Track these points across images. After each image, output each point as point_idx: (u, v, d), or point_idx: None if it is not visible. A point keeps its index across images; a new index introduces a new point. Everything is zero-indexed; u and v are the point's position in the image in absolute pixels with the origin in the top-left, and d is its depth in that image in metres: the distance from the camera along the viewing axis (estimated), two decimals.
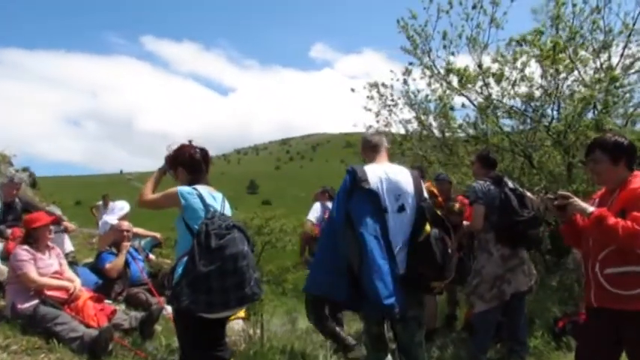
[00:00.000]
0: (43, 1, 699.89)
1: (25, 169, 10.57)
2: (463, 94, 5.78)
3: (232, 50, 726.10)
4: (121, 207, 4.57)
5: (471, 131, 5.96)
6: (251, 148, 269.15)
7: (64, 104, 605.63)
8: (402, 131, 7.04)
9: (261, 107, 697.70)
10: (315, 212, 4.18)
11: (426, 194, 2.32)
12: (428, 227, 2.12)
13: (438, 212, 2.27)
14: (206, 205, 2.12)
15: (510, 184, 3.23)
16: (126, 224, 4.15)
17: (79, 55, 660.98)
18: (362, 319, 2.59)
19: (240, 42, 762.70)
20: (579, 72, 5.20)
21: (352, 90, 6.98)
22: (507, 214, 3.06)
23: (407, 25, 5.76)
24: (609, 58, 5.29)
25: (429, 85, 6.33)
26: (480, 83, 5.47)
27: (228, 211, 2.25)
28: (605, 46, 5.17)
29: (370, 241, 1.99)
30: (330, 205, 3.85)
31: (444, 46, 5.66)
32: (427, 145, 6.82)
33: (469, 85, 5.46)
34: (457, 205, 3.66)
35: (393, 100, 6.82)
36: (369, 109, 6.99)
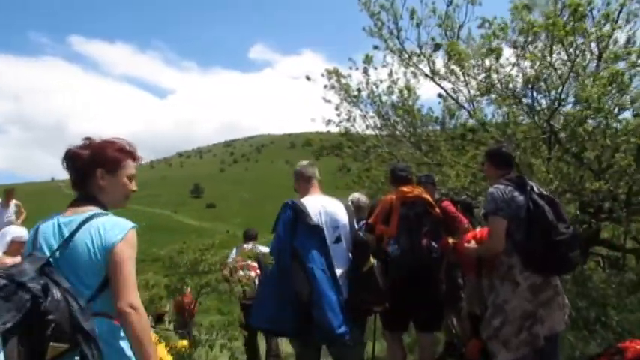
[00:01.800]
0: None
1: None
2: (436, 82, 6.50)
3: (169, 52, 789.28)
4: (18, 234, 4.33)
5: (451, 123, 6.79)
6: (194, 151, 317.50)
7: None
8: (366, 127, 7.93)
9: (203, 109, 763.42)
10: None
11: (356, 225, 3.28)
12: (371, 259, 3.10)
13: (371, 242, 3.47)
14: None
15: (536, 187, 3.10)
16: (9, 261, 3.64)
17: (2, 56, 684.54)
18: (299, 346, 3.24)
19: (176, 43, 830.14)
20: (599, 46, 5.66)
21: (308, 78, 7.72)
22: (540, 231, 2.91)
23: (369, 1, 6.45)
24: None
25: (390, 75, 7.27)
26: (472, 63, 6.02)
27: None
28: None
29: (319, 274, 2.82)
30: (246, 246, 5.76)
31: (417, 24, 6.27)
32: (399, 142, 7.69)
33: (457, 69, 6.06)
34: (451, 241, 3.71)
35: (358, 90, 7.63)
36: (329, 101, 7.76)
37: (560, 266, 3.06)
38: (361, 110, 7.85)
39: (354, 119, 7.94)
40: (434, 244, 3.63)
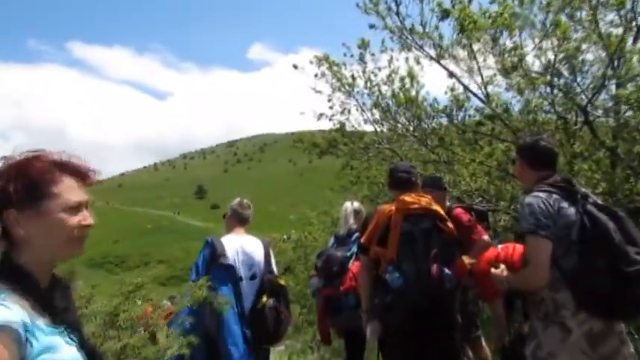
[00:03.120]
0: None
1: None
2: (442, 65, 5.57)
3: (167, 54, 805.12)
4: None
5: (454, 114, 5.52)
6: (197, 152, 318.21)
7: None
8: (364, 122, 7.01)
9: (204, 110, 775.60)
10: None
11: (274, 265, 3.55)
12: (265, 298, 3.28)
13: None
14: None
15: (591, 195, 2.36)
16: None
17: (3, 65, 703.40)
18: None
19: (174, 45, 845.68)
20: None
21: (295, 67, 6.88)
22: (602, 258, 2.15)
23: None
24: None
25: (390, 62, 6.38)
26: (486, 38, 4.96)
27: None
28: None
29: (226, 310, 3.07)
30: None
31: None
32: (401, 137, 6.70)
33: (469, 44, 5.05)
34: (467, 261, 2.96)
35: (352, 77, 6.72)
36: (319, 92, 6.88)
37: (633, 309, 2.25)
38: (357, 101, 6.97)
39: (349, 111, 7.06)
40: (447, 270, 2.80)
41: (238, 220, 3.69)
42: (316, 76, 6.85)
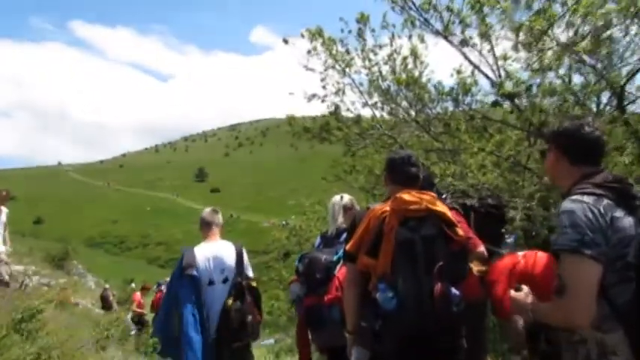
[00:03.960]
0: None
1: None
2: (449, 41, 5.04)
3: (169, 36, 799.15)
4: None
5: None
6: (199, 135, 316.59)
7: None
8: (362, 105, 6.43)
9: (206, 93, 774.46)
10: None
11: (248, 268, 3.77)
12: (230, 300, 3.51)
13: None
14: None
15: None
16: None
17: (3, 42, 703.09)
18: None
19: (176, 27, 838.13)
20: None
21: (285, 41, 6.36)
22: None
23: None
24: None
25: (392, 39, 5.81)
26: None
27: None
28: None
29: (188, 318, 3.37)
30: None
31: None
32: (401, 122, 6.15)
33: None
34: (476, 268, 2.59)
35: (346, 51, 6.12)
36: (311, 69, 6.26)
37: None
38: (352, 81, 6.24)
39: (343, 92, 6.28)
40: (454, 290, 2.18)
41: (206, 226, 3.91)
42: (309, 52, 6.16)
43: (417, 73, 5.73)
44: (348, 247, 2.36)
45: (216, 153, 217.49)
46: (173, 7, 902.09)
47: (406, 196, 2.23)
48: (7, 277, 6.47)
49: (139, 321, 12.90)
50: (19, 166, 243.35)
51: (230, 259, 3.77)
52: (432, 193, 2.34)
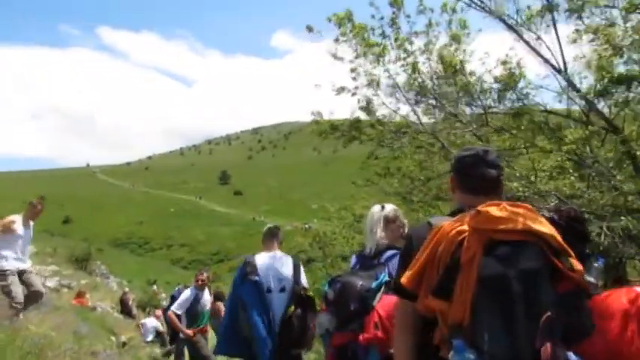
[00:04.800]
0: None
1: None
2: (504, 21, 4.35)
3: (193, 40, 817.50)
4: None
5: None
6: (223, 138, 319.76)
7: (24, 99, 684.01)
8: (396, 100, 5.59)
9: (229, 97, 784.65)
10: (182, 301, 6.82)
11: (303, 279, 3.94)
12: (292, 307, 3.72)
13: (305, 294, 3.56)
14: None
15: None
16: None
17: (35, 48, 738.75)
18: None
19: (199, 32, 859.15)
20: None
21: (310, 29, 5.69)
22: None
23: None
24: None
25: (429, 27, 5.10)
26: None
27: None
28: None
29: (257, 320, 3.65)
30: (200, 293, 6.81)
31: None
32: (445, 119, 5.30)
33: None
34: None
35: (381, 35, 5.27)
36: (340, 58, 5.53)
37: None
38: (388, 73, 5.34)
39: (377, 84, 5.39)
40: (571, 355, 1.40)
41: (268, 238, 4.17)
42: (337, 40, 5.40)
43: (459, 57, 5.02)
44: (403, 279, 1.65)
45: (240, 156, 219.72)
46: (196, 12, 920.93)
47: (494, 210, 1.52)
48: (42, 288, 6.34)
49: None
50: (48, 168, 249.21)
51: (287, 269, 3.97)
52: (529, 206, 1.60)
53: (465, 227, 1.54)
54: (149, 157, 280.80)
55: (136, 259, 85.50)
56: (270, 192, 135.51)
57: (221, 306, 9.23)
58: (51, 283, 15.02)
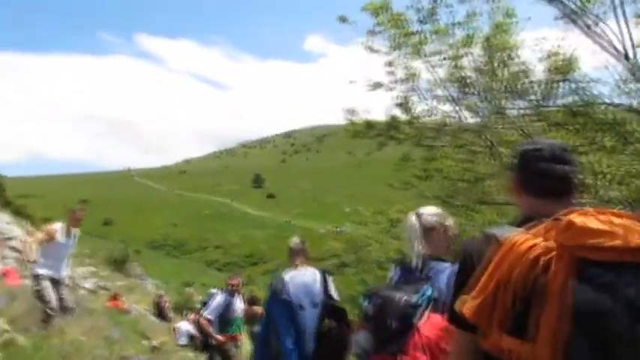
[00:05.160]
0: (37, 5, 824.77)
1: None
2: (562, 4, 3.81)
3: (228, 46, 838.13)
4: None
5: None
6: (256, 141, 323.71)
7: (67, 105, 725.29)
8: (432, 99, 5.17)
9: (263, 101, 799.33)
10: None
11: (333, 291, 3.89)
12: (326, 321, 3.67)
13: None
14: None
15: None
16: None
17: (78, 56, 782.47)
18: None
19: (234, 38, 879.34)
20: None
21: (343, 20, 5.43)
22: None
23: None
24: None
25: (472, 16, 4.68)
26: None
27: None
28: None
29: (285, 337, 3.67)
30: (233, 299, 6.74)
31: None
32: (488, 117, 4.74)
33: None
34: None
35: (420, 21, 4.83)
36: (376, 51, 5.15)
37: None
38: (429, 66, 4.85)
39: (417, 77, 4.93)
40: None
41: (295, 254, 4.13)
42: (372, 32, 4.93)
43: (513, 45, 4.56)
44: (466, 310, 1.30)
45: (273, 159, 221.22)
46: (231, 19, 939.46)
47: (590, 220, 1.17)
48: (71, 304, 6.17)
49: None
50: (89, 171, 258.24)
51: (317, 284, 3.94)
52: (630, 214, 1.25)
53: (547, 243, 1.20)
54: (185, 161, 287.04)
55: (172, 260, 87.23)
56: (304, 195, 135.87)
57: (257, 310, 9.11)
58: (88, 284, 15.24)
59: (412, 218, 2.50)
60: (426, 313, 2.18)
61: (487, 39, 4.37)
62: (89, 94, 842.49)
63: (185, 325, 12.70)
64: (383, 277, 12.19)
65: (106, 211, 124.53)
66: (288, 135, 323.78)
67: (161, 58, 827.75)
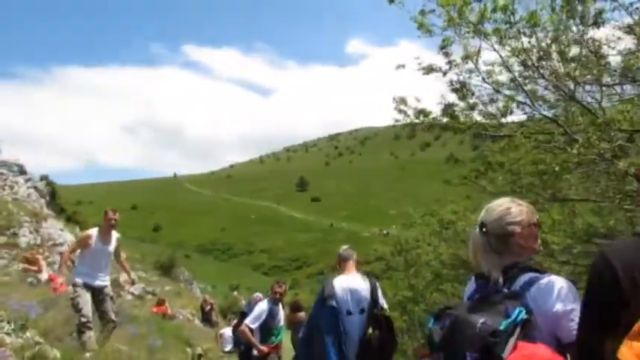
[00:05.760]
0: (91, 19, 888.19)
1: (43, 178, 15.53)
2: None
3: (270, 53, 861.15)
4: None
5: None
6: (300, 145, 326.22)
7: (120, 115, 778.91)
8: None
9: (306, 105, 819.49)
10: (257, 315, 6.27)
11: (381, 299, 4.01)
12: (370, 329, 3.80)
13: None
14: None
15: None
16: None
17: (129, 68, 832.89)
18: None
19: (276, 44, 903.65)
20: None
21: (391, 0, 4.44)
22: None
23: None
24: None
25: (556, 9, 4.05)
26: None
27: None
28: None
29: (329, 342, 3.77)
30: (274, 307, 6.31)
31: None
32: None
33: None
34: None
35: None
36: (429, 30, 4.40)
37: None
38: (493, 46, 4.14)
39: (477, 57, 4.24)
40: None
41: (344, 261, 4.19)
42: (423, 12, 4.24)
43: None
44: (626, 354, 0.81)
45: (317, 162, 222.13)
46: (273, 26, 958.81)
47: None
48: (112, 315, 5.70)
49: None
50: (140, 178, 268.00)
51: (365, 291, 3.99)
52: None
53: None
54: (231, 166, 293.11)
55: (220, 264, 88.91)
56: (348, 198, 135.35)
57: (301, 316, 8.74)
58: (136, 290, 15.39)
59: (475, 234, 1.95)
60: (512, 340, 1.66)
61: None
62: (141, 103, 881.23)
63: (229, 332, 12.50)
64: (433, 282, 11.52)
65: (155, 216, 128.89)
66: (331, 138, 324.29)
67: (207, 67, 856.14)
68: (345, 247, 4.34)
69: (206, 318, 15.81)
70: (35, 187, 18.92)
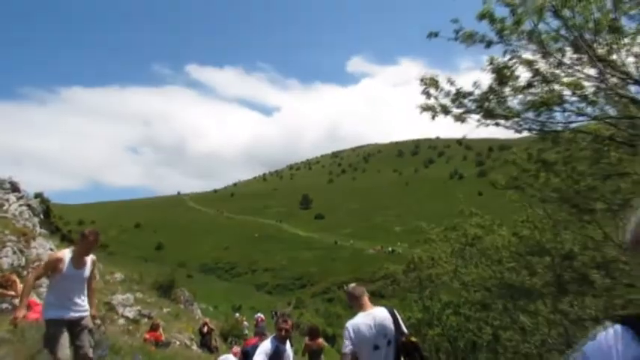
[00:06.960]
0: (95, 39, 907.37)
1: (37, 196, 15.01)
2: None
3: (272, 72, 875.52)
4: None
5: None
6: (303, 162, 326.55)
7: (123, 134, 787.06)
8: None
9: (308, 123, 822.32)
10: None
11: (403, 326, 4.04)
12: (402, 358, 3.83)
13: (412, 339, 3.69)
14: None
15: None
16: None
17: (132, 88, 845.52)
18: None
19: (278, 64, 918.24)
20: None
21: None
22: None
23: None
24: None
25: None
26: None
27: None
28: None
29: None
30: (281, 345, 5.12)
31: None
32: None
33: None
34: None
35: None
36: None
37: None
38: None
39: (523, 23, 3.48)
40: None
41: (356, 299, 4.15)
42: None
43: None
44: None
45: (320, 180, 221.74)
46: (274, 46, 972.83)
47: None
48: (89, 352, 4.87)
49: None
50: (143, 197, 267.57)
51: (388, 322, 3.95)
52: None
53: None
54: (234, 184, 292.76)
55: (222, 284, 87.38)
56: (352, 215, 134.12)
57: (321, 343, 8.18)
58: (130, 313, 14.46)
59: None
60: None
61: None
62: (144, 123, 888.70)
63: (228, 359, 11.49)
64: (449, 305, 10.63)
65: (158, 235, 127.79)
66: (334, 155, 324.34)
67: (210, 87, 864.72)
68: (352, 285, 4.44)
69: (204, 342, 14.78)
70: (29, 205, 18.19)
